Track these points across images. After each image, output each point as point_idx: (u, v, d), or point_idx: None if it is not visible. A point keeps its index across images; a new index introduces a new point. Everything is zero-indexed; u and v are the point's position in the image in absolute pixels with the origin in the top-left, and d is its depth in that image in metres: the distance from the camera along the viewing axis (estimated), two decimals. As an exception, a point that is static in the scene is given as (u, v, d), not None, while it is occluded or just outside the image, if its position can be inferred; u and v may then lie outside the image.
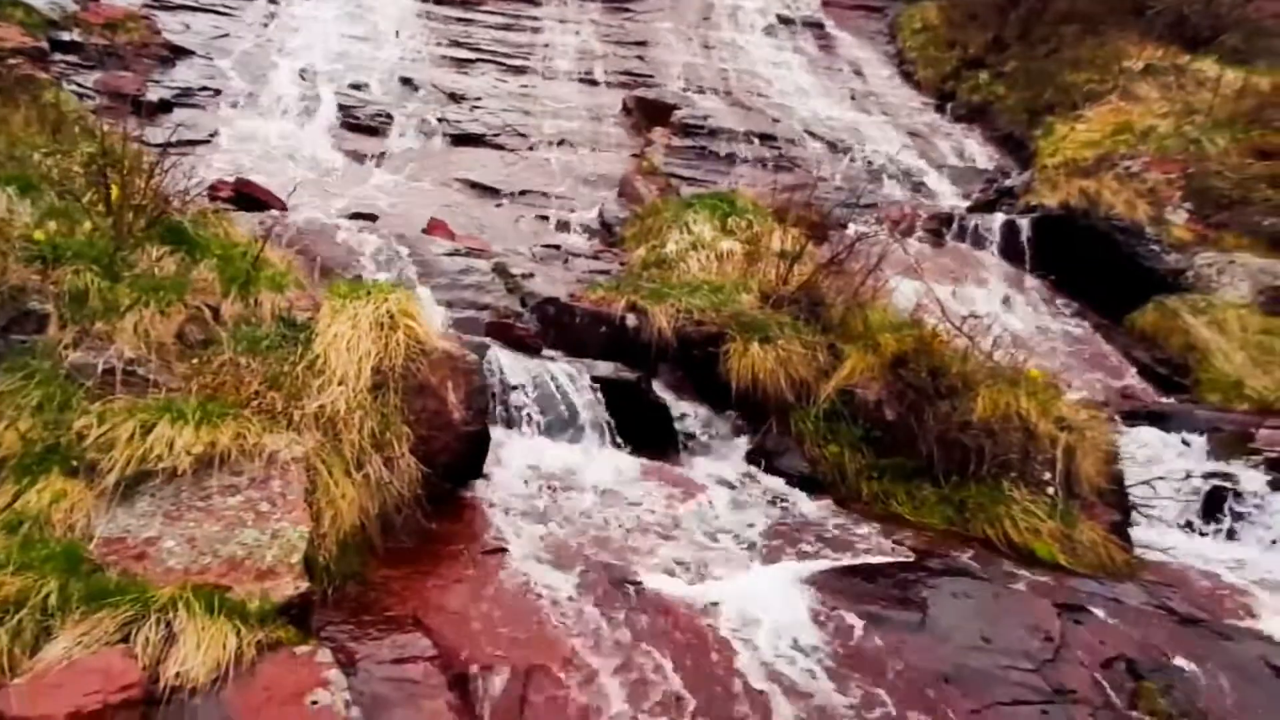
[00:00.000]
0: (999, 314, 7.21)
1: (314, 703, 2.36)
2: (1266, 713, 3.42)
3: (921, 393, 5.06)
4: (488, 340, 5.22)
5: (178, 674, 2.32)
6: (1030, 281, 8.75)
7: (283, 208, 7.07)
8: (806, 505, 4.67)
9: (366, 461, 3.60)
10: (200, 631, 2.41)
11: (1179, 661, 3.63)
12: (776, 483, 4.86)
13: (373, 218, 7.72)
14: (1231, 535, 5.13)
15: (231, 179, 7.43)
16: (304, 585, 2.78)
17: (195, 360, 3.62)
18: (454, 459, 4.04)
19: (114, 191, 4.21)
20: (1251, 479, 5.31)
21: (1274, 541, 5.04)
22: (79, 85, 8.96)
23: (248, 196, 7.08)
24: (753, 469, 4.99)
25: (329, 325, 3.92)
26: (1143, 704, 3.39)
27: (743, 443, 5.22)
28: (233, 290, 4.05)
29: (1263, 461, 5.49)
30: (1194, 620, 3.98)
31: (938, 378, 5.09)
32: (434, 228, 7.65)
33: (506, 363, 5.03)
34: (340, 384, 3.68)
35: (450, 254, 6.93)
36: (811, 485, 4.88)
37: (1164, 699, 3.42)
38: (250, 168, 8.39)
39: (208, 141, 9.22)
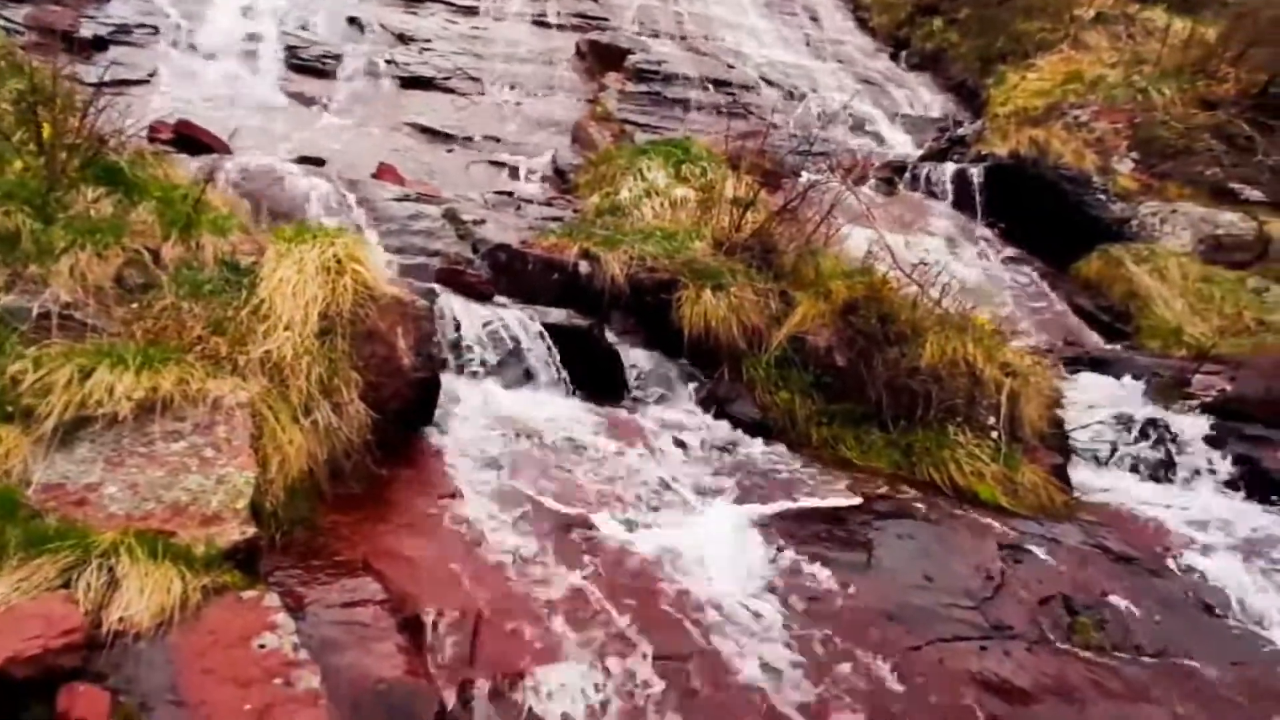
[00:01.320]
0: (949, 262, 7.28)
1: (261, 646, 2.36)
2: (1192, 643, 3.57)
3: (871, 339, 5.12)
4: (438, 287, 5.15)
5: (121, 619, 2.30)
6: (980, 230, 8.84)
7: (226, 151, 6.88)
8: (757, 450, 4.73)
9: (315, 408, 3.56)
10: (143, 576, 2.39)
11: (1112, 598, 3.77)
12: (728, 429, 4.90)
13: (320, 162, 7.54)
14: (1166, 477, 5.29)
15: (172, 120, 7.19)
16: (250, 531, 2.76)
17: (135, 304, 3.53)
18: (404, 406, 4.01)
19: (46, 130, 4.05)
20: (1186, 423, 5.46)
21: (1205, 483, 5.21)
22: (7, 20, 8.56)
23: (189, 139, 6.87)
24: (704, 415, 5.02)
25: (274, 270, 3.84)
26: (1077, 638, 3.52)
27: (695, 389, 5.25)
28: (173, 233, 3.95)
29: (1197, 406, 5.66)
30: (1128, 558, 4.13)
31: (887, 324, 5.15)
32: (383, 173, 7.50)
33: (458, 309, 4.98)
34: (286, 329, 3.62)
35: (400, 199, 6.80)
36: (762, 431, 4.92)
37: (1097, 633, 3.55)
38: (191, 109, 8.12)
39: (146, 81, 8.90)
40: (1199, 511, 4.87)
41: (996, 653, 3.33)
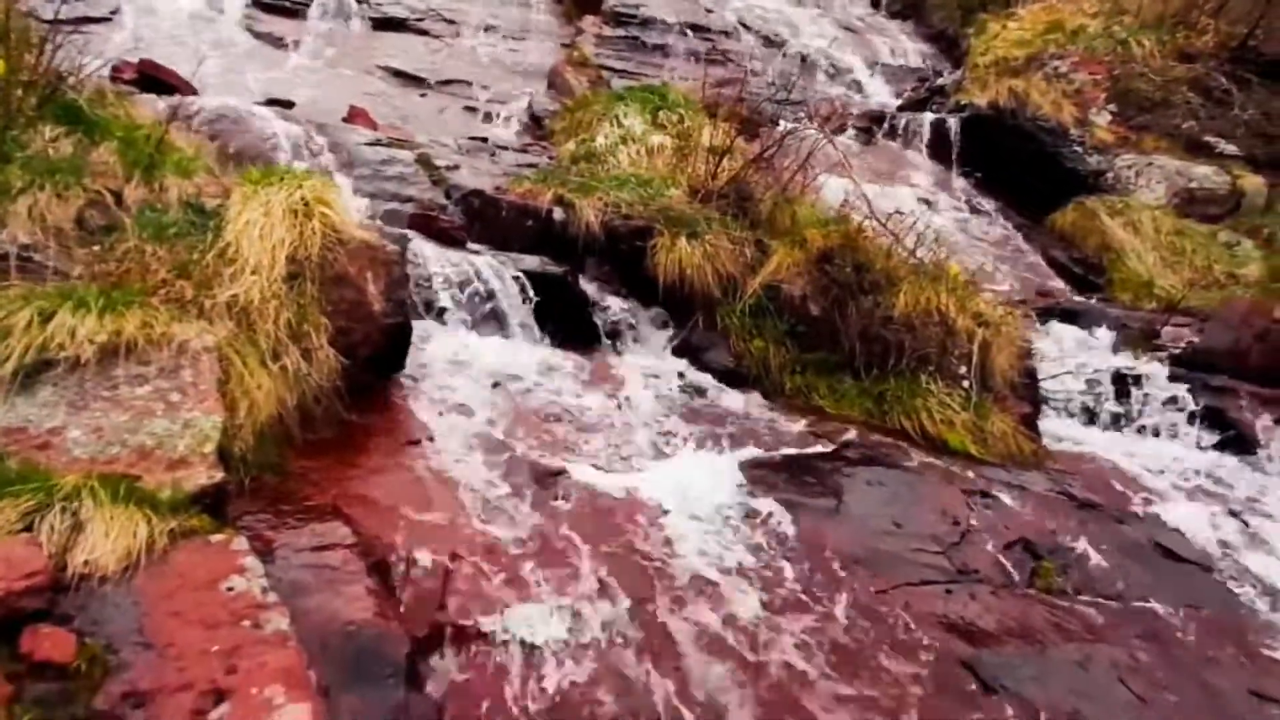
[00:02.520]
0: (925, 212, 7.27)
1: (229, 589, 2.35)
2: (1151, 585, 3.65)
3: (845, 288, 5.12)
4: (410, 233, 5.08)
5: (86, 562, 2.28)
6: (957, 181, 8.83)
7: (192, 92, 6.71)
8: (731, 398, 4.74)
9: (283, 353, 3.52)
10: (109, 520, 2.37)
11: (1075, 543, 3.84)
12: (702, 377, 4.90)
13: (289, 105, 7.39)
14: (1133, 427, 5.37)
15: (135, 60, 7.00)
16: (218, 475, 2.74)
17: (97, 247, 3.46)
18: (375, 351, 3.97)
19: None
20: (1154, 373, 5.53)
21: (1170, 432, 5.30)
22: (-40, -47, 8.25)
23: (153, 79, 6.69)
24: (679, 363, 5.02)
25: (240, 212, 3.76)
26: (1040, 581, 3.59)
27: (669, 337, 5.24)
28: (136, 175, 3.85)
29: (1166, 357, 5.72)
30: (1092, 505, 4.20)
31: (862, 273, 5.15)
32: (355, 117, 7.36)
33: (430, 255, 4.92)
34: (253, 273, 3.56)
35: (372, 144, 6.68)
36: (736, 379, 4.94)
37: (1060, 577, 3.62)
38: (155, 49, 7.90)
39: (108, 19, 8.65)
40: (1164, 460, 4.95)
41: (962, 596, 3.39)
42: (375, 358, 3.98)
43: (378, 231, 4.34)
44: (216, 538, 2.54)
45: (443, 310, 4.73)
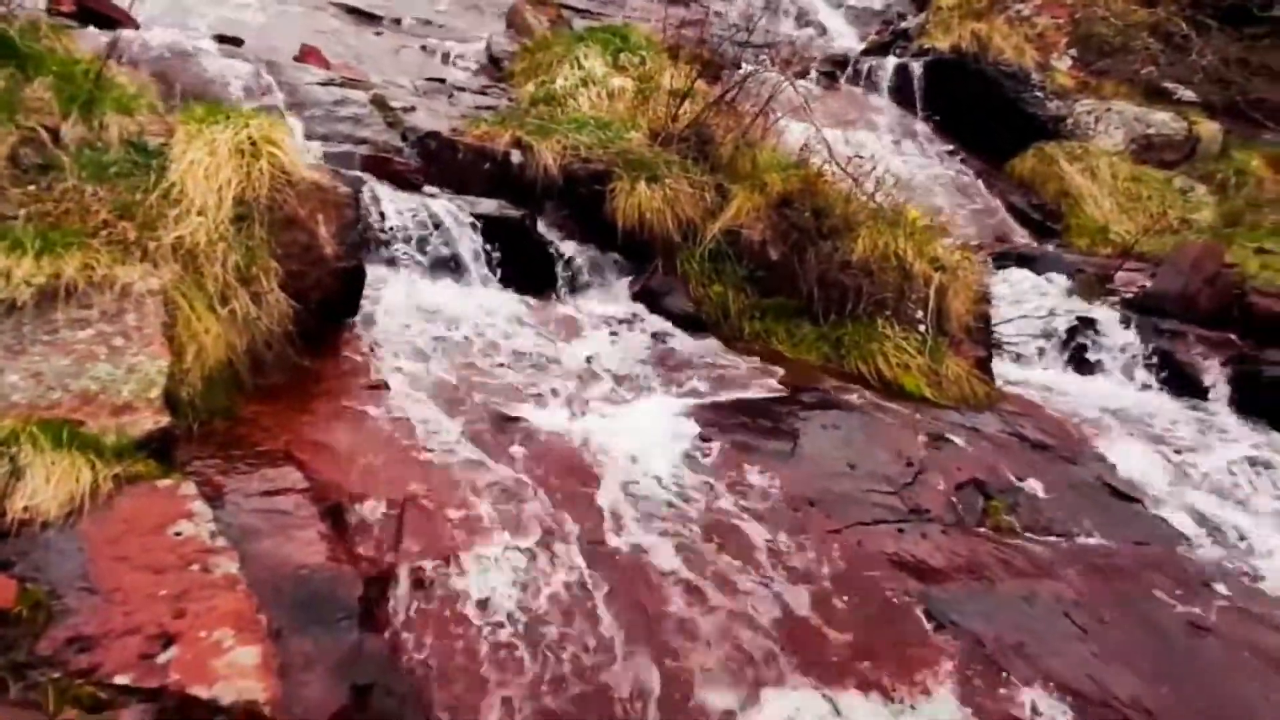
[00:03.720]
0: (886, 157, 7.26)
1: (177, 533, 2.32)
2: (1097, 524, 3.74)
3: (805, 233, 5.11)
4: (364, 175, 4.98)
5: (26, 508, 2.24)
6: (920, 126, 8.82)
7: (134, 26, 6.46)
8: (689, 343, 4.74)
9: (232, 296, 3.44)
10: (50, 465, 2.32)
11: (1025, 483, 3.91)
12: (661, 322, 4.89)
13: (238, 42, 7.14)
14: (1085, 369, 5.46)
15: (73, -8, 6.71)
16: (164, 420, 2.69)
17: (33, 187, 3.34)
18: (328, 295, 3.91)
19: (-75, -4, 3.75)
20: (1107, 317, 5.62)
21: (1121, 375, 5.39)
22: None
23: (93, 12, 6.42)
24: (638, 308, 5.00)
25: (185, 152, 3.65)
26: (989, 520, 3.66)
27: (628, 282, 5.21)
28: (74, 111, 3.71)
29: (1119, 302, 5.81)
30: (1043, 446, 4.27)
31: (821, 218, 5.14)
32: (307, 55, 7.14)
33: (385, 198, 4.83)
34: (199, 215, 3.47)
35: (325, 84, 6.49)
36: (695, 324, 4.93)
37: (1009, 515, 3.69)
38: (96, -18, 7.57)
39: (45, -50, 8.26)
40: (1114, 402, 5.05)
41: (913, 535, 3.44)
42: (328, 302, 3.92)
43: (329, 173, 4.24)
44: (163, 483, 2.51)
45: (398, 254, 4.66)
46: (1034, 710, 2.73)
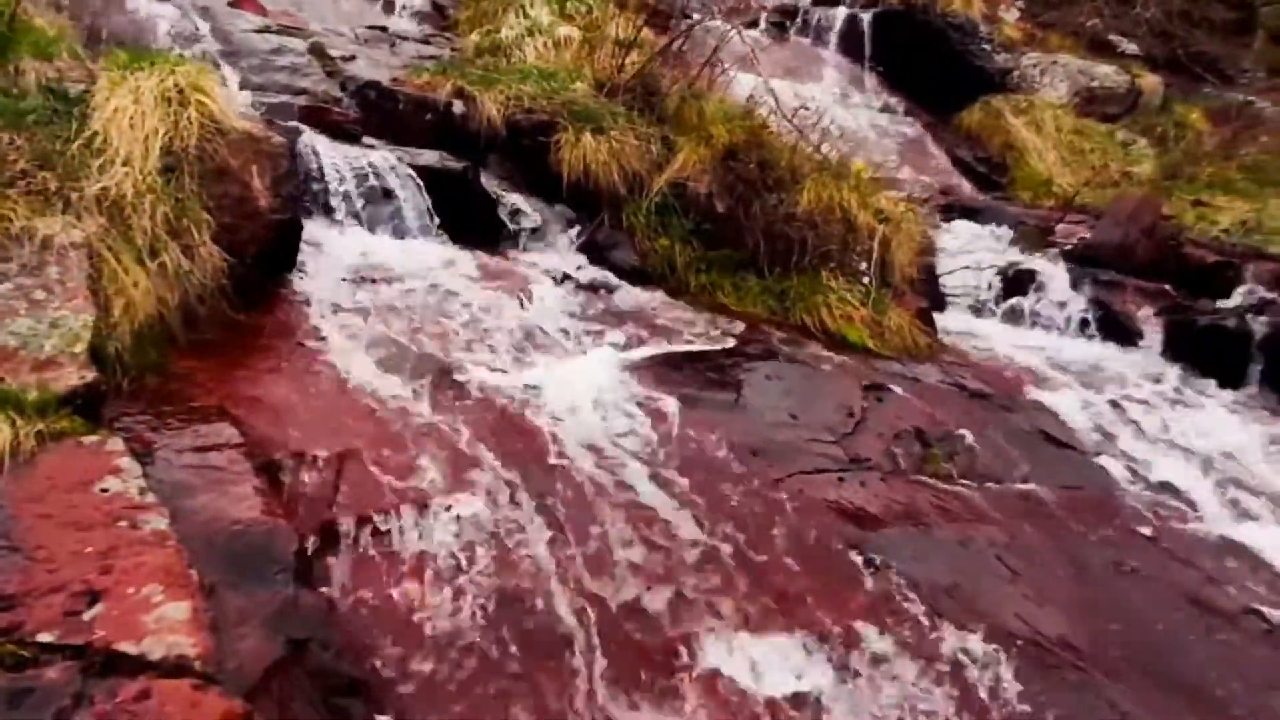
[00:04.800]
0: (834, 110, 7.25)
1: (104, 490, 2.27)
2: (1032, 470, 3.83)
3: (751, 185, 5.11)
4: (301, 126, 4.86)
5: (-58, 466, 2.18)
6: (868, 78, 8.81)
7: (56, -30, 6.18)
8: (635, 296, 4.73)
9: (162, 249, 3.34)
10: (-35, 423, 2.26)
11: (963, 431, 3.98)
12: (607, 275, 4.87)
13: (167, -15, 6.89)
14: (1025, 320, 5.56)
15: (-10, -67, 6.40)
16: (90, 375, 2.62)
17: (-56, 135, 3.21)
18: (263, 249, 3.82)
19: None
20: (1047, 269, 5.71)
21: (1059, 325, 5.50)
22: None
23: (11, -45, 6.14)
24: (583, 261, 4.97)
25: (108, 99, 3.52)
26: (928, 467, 3.73)
27: (574, 235, 5.17)
28: (-13, 57, 3.57)
29: (1058, 253, 5.90)
30: (981, 395, 4.35)
31: (767, 170, 5.14)
32: (242, 1, 6.91)
33: (323, 150, 4.72)
34: (124, 165, 3.35)
35: (260, 31, 6.31)
36: (641, 278, 4.92)
37: (947, 463, 3.77)
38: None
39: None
40: (1052, 351, 5.16)
41: (853, 483, 3.50)
42: (264, 256, 3.83)
43: (263, 123, 4.13)
44: (89, 439, 2.44)
45: (337, 207, 4.56)
46: (965, 650, 2.81)
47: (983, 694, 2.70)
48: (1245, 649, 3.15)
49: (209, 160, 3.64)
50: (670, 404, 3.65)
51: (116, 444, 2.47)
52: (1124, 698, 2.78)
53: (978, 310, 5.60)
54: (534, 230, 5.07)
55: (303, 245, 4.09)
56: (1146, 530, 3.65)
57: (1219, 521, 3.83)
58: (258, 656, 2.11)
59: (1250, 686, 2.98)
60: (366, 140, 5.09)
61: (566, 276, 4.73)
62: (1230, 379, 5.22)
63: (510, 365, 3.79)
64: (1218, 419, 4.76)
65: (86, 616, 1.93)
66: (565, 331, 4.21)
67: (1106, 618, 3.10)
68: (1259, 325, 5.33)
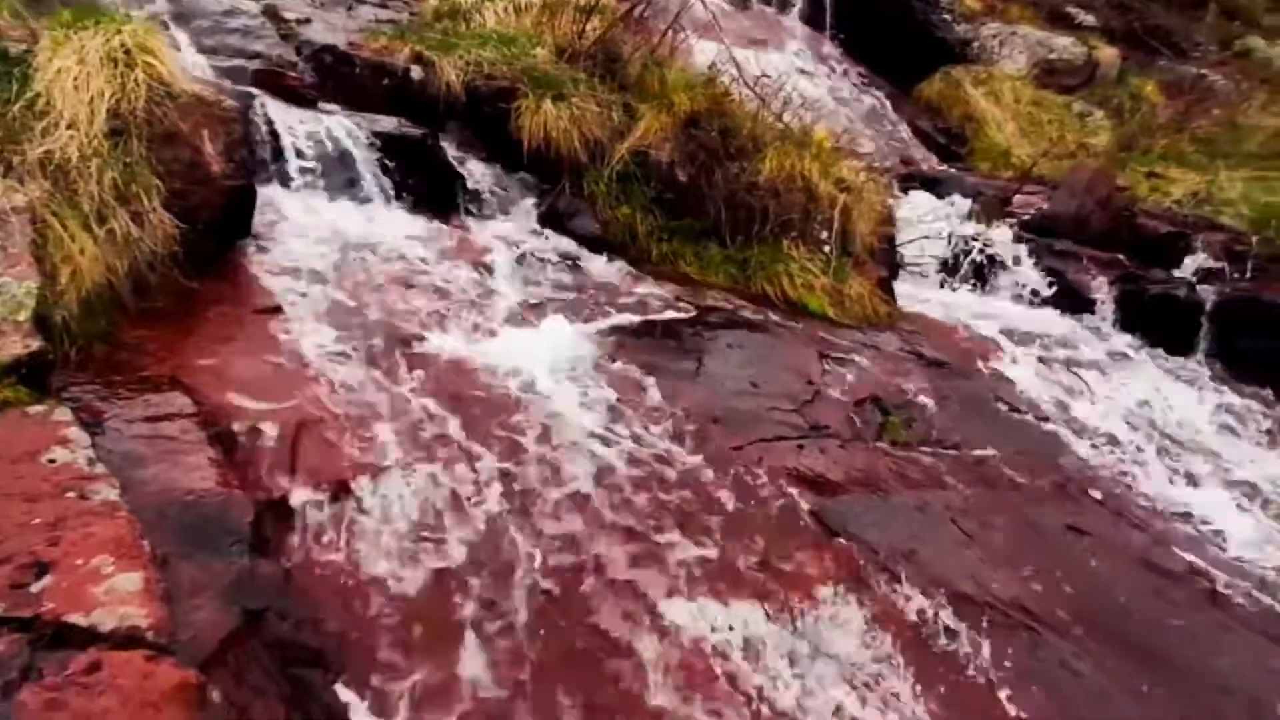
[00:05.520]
0: (796, 79, 7.23)
1: (51, 460, 2.22)
2: (987, 435, 3.90)
3: (712, 154, 5.09)
4: (255, 90, 4.74)
5: (-118, 437, 2.12)
6: (829, 48, 8.79)
7: (-6, -74, 5.96)
8: (597, 266, 4.71)
9: (110, 215, 3.26)
10: (-95, 392, 2.19)
11: (921, 398, 4.03)
12: (568, 244, 4.84)
13: (114, -55, 6.67)
14: (983, 289, 5.62)
15: (-77, -114, 6.14)
16: (35, 344, 2.55)
17: (-123, 96, 3.09)
18: (216, 216, 3.73)
19: None
20: (1003, 239, 5.77)
21: (1016, 294, 5.57)
22: None
23: (-53, -91, 5.90)
24: (544, 230, 4.93)
25: (51, 60, 3.41)
26: (887, 434, 3.77)
27: (535, 204, 5.12)
28: (-78, 15, 3.44)
29: (1015, 223, 5.96)
30: (939, 363, 4.40)
31: (728, 139, 5.12)
32: (190, -39, 6.71)
33: (277, 115, 4.61)
34: (69, 128, 3.26)
35: (212, -8, 6.13)
36: (603, 246, 4.89)
37: (905, 430, 3.81)
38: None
39: None
40: (1009, 320, 5.23)
41: (813, 450, 3.53)
42: (216, 222, 3.75)
43: (214, 86, 4.03)
44: (35, 409, 2.39)
45: (292, 174, 4.47)
46: (920, 612, 2.85)
47: (937, 653, 2.75)
48: (1190, 607, 3.24)
49: (158, 124, 3.55)
50: (632, 373, 3.66)
51: (64, 414, 2.41)
52: (1074, 655, 2.85)
53: (937, 279, 5.65)
54: (495, 198, 5.01)
55: (258, 213, 4.01)
56: (1097, 494, 3.73)
57: (1166, 486, 3.92)
58: (213, 627, 2.09)
59: (1195, 644, 3.07)
60: (323, 106, 4.98)
61: (527, 245, 4.70)
62: (1180, 347, 5.34)
63: (470, 334, 3.76)
64: (1167, 387, 4.87)
65: (34, 588, 1.89)
66: (526, 301, 4.18)
67: (1059, 579, 3.17)
68: (1208, 294, 5.44)
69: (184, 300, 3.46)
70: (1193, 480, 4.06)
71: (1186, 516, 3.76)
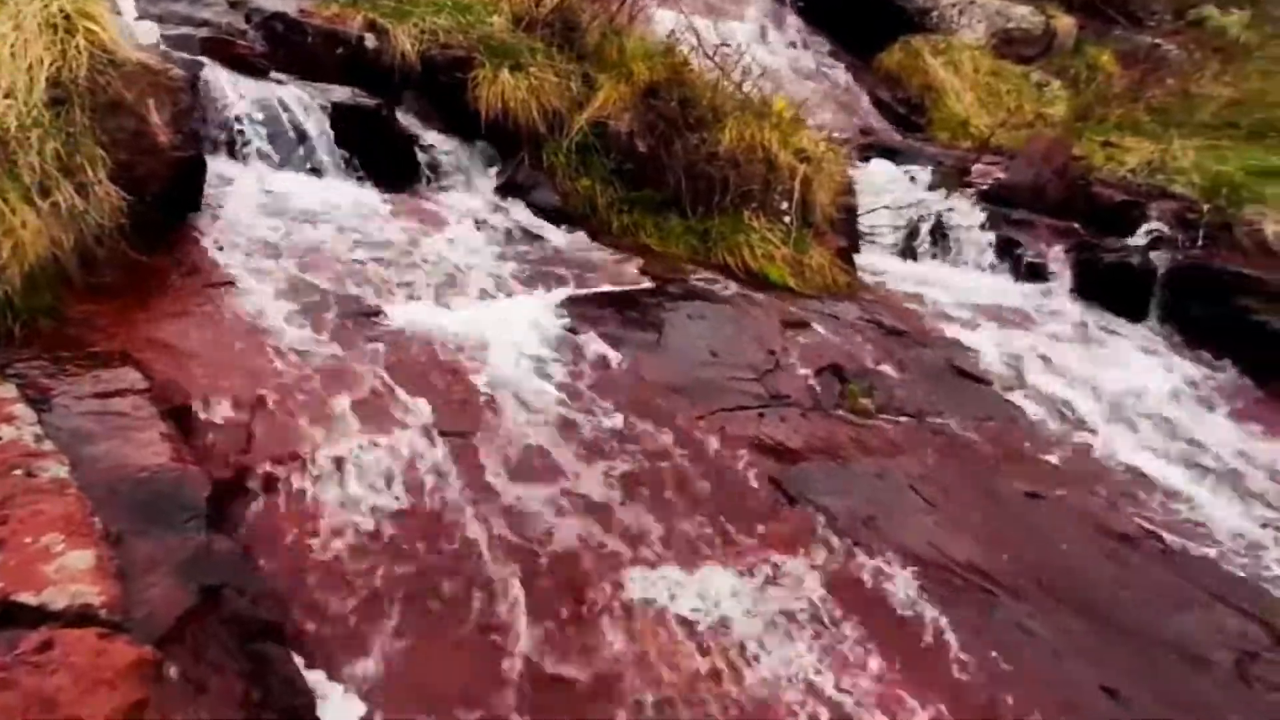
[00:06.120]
0: (756, 49, 7.20)
1: (-4, 438, 2.18)
2: (946, 404, 3.94)
3: (672, 124, 5.06)
4: (204, 59, 4.62)
5: None
6: (791, 18, 8.76)
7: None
8: (557, 237, 4.68)
9: (53, 188, 3.16)
10: None
11: (881, 367, 4.07)
12: (527, 216, 4.80)
13: (53, -91, 6.44)
14: (941, 258, 5.67)
15: None
16: (-23, 320, 2.49)
17: None
18: (165, 187, 3.64)
19: None
20: (962, 208, 5.81)
21: (974, 263, 5.62)
22: None
23: None
24: (503, 202, 4.89)
25: (-14, 27, 3.30)
26: (847, 403, 3.80)
27: (493, 175, 5.07)
28: None
29: (974, 193, 6.01)
30: (898, 332, 4.44)
31: (688, 109, 5.09)
32: (134, -74, 6.51)
33: (227, 85, 4.50)
34: (7, 97, 3.15)
35: (156, -41, 5.95)
36: (563, 218, 4.86)
37: (865, 398, 3.84)
38: None
39: None
40: (966, 288, 5.28)
41: (773, 419, 3.55)
42: (165, 194, 3.66)
43: (159, 55, 3.92)
44: (-22, 386, 2.33)
45: (244, 144, 4.37)
46: (880, 576, 2.89)
47: (895, 616, 2.79)
48: (1143, 569, 3.31)
49: (101, 93, 3.45)
50: (593, 344, 3.64)
51: (9, 390, 2.36)
52: (1029, 617, 2.90)
53: (896, 249, 5.69)
54: (452, 170, 4.95)
55: (209, 184, 3.92)
56: (1053, 459, 3.79)
57: (1120, 450, 3.99)
58: (169, 604, 2.05)
59: (1148, 604, 3.14)
60: (274, 75, 4.87)
61: (486, 217, 4.65)
62: (1134, 313, 5.43)
63: (429, 307, 3.72)
64: (1120, 352, 4.95)
65: (-19, 568, 1.85)
66: (485, 273, 4.14)
67: (1015, 543, 3.23)
68: (1161, 262, 5.53)
69: (133, 274, 3.38)
70: (1144, 444, 4.14)
71: (1139, 480, 3.83)
